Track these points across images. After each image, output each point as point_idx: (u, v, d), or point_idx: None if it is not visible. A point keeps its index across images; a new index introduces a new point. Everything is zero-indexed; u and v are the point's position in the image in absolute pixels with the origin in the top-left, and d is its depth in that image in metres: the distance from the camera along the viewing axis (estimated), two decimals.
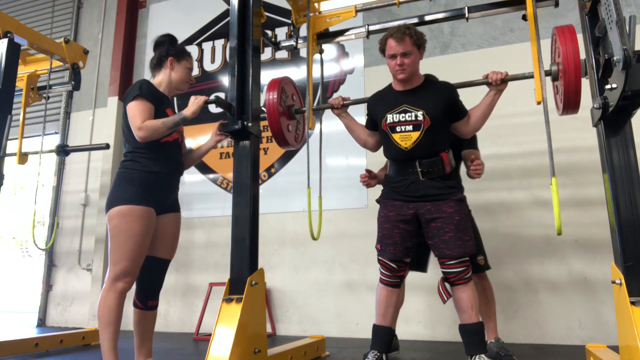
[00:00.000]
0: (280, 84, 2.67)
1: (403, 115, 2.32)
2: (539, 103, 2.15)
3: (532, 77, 2.24)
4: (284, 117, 2.64)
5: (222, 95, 4.63)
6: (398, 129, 2.32)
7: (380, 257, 2.38)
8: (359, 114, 4.18)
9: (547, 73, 2.19)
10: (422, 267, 2.77)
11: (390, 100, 2.40)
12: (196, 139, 4.68)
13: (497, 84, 2.24)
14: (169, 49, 2.34)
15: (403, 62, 2.29)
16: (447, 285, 2.24)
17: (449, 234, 2.21)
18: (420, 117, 2.28)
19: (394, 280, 2.36)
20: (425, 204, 2.27)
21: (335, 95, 4.33)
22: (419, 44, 2.32)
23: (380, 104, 2.44)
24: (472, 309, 2.19)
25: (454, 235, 2.20)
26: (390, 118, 2.34)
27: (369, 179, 2.62)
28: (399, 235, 2.31)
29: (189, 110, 2.19)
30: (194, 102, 2.21)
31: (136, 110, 2.14)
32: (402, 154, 2.32)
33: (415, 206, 2.29)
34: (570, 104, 2.11)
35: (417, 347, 3.27)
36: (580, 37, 2.33)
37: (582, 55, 2.10)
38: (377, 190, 2.59)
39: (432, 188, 2.28)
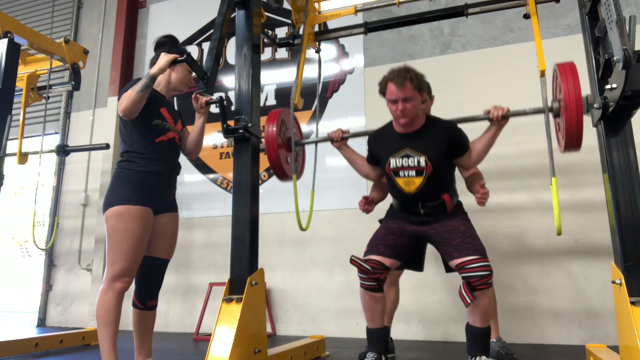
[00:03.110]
0: (280, 116, 2.58)
1: (406, 160, 2.32)
2: (542, 74, 2.12)
3: (534, 113, 2.19)
4: (282, 149, 2.57)
5: (222, 95, 4.63)
6: (401, 173, 2.33)
7: (353, 257, 2.30)
8: (358, 114, 4.19)
9: (549, 109, 2.13)
10: (418, 266, 2.75)
11: (392, 142, 2.38)
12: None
13: (499, 120, 2.21)
14: (170, 49, 2.32)
15: (405, 107, 2.24)
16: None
17: (457, 240, 2.22)
18: (423, 163, 2.29)
19: (370, 284, 2.28)
20: (431, 226, 2.33)
21: (335, 95, 4.36)
22: (420, 87, 2.28)
23: (382, 145, 2.42)
24: (484, 315, 2.15)
25: (462, 240, 2.21)
26: (393, 163, 2.34)
27: (367, 204, 2.57)
28: (392, 240, 2.33)
29: (155, 68, 2.12)
30: (162, 58, 2.13)
31: (123, 97, 2.11)
32: (405, 197, 2.35)
33: (421, 227, 2.35)
34: (572, 142, 2.04)
35: (416, 347, 3.27)
36: (579, 38, 2.33)
37: (584, 92, 2.03)
38: None
39: (436, 221, 2.34)
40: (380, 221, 2.53)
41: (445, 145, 2.30)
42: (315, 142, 2.73)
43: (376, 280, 2.28)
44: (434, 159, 2.28)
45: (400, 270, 2.72)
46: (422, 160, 2.29)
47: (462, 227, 2.27)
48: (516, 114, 2.22)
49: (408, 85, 2.23)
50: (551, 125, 2.09)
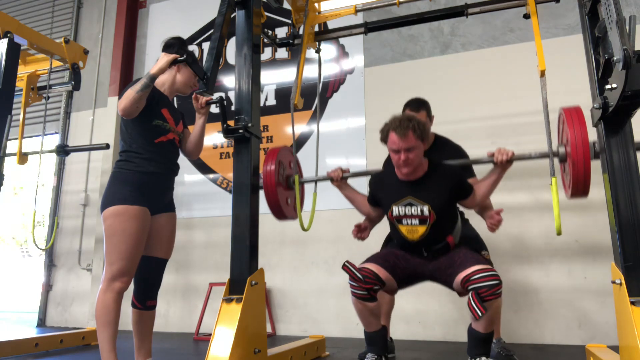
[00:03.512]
0: (278, 157, 2.51)
1: (409, 208, 2.27)
2: (542, 74, 2.12)
3: (539, 157, 2.18)
4: (281, 188, 2.51)
5: (222, 95, 4.63)
6: (404, 221, 2.28)
7: (346, 264, 2.23)
8: (358, 114, 4.18)
9: (555, 154, 2.12)
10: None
11: (395, 189, 2.33)
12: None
13: (503, 164, 2.20)
14: (179, 51, 2.30)
15: (407, 157, 2.18)
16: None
17: (460, 260, 2.19)
18: (426, 212, 2.24)
19: (361, 293, 2.21)
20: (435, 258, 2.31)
21: (335, 95, 4.36)
22: (423, 137, 2.22)
23: (384, 191, 2.38)
24: (489, 324, 2.11)
25: (464, 257, 2.18)
26: (395, 210, 2.29)
27: (360, 232, 2.49)
28: (393, 260, 2.30)
29: (155, 67, 2.12)
30: (162, 58, 2.14)
31: (123, 97, 2.11)
32: (409, 243, 2.30)
33: (424, 260, 2.32)
34: (579, 191, 2.04)
35: (416, 347, 3.27)
36: (579, 38, 2.33)
37: (591, 138, 2.02)
38: None
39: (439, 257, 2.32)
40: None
41: (448, 192, 2.27)
42: (315, 181, 2.66)
43: (367, 290, 2.21)
44: (438, 208, 2.24)
45: None
46: (426, 209, 2.24)
47: (462, 250, 2.26)
48: (521, 158, 2.21)
49: (410, 135, 2.16)
50: (556, 169, 2.07)
